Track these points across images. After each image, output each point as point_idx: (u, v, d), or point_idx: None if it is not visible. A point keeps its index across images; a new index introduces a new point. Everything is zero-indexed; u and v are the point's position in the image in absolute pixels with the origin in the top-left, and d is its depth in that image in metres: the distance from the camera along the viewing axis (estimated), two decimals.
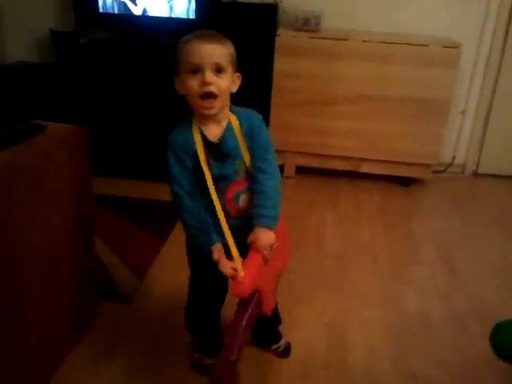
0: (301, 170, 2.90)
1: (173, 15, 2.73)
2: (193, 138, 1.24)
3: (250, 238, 1.24)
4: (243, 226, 1.27)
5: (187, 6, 2.70)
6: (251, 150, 1.27)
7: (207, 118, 1.24)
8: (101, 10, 2.76)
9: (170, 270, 1.98)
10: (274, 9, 2.70)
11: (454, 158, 3.12)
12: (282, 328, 1.60)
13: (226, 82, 1.20)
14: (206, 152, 1.24)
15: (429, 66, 2.60)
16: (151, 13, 2.75)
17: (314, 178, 2.91)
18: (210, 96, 1.18)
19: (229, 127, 1.26)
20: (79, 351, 1.55)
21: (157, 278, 1.94)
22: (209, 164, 1.24)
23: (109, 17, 2.78)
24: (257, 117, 1.30)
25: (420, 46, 2.60)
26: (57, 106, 2.59)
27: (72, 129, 1.42)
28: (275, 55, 2.67)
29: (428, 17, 2.83)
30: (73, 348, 1.55)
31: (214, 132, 1.25)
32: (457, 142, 3.11)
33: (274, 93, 2.75)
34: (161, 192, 2.57)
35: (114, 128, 2.67)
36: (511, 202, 2.82)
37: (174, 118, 2.72)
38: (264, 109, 2.78)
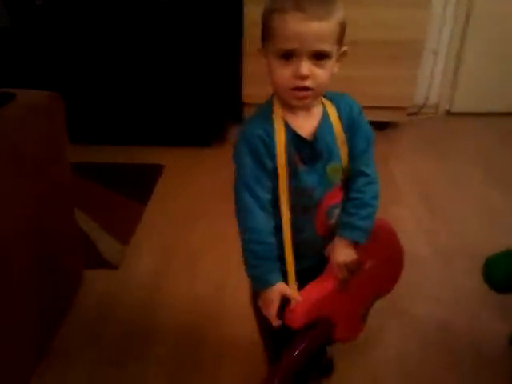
0: None
1: None
2: (274, 133, 0.94)
3: (327, 251, 1.01)
4: (322, 248, 1.02)
5: None
6: (351, 148, 0.99)
7: (295, 108, 0.96)
8: None
9: (154, 234, 1.97)
10: None
11: (427, 99, 3.12)
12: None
13: (328, 71, 0.91)
14: (291, 153, 0.94)
15: (402, 6, 2.55)
16: None
17: None
18: (304, 89, 0.90)
19: (325, 118, 0.97)
20: (71, 319, 1.54)
21: (141, 242, 1.91)
22: (296, 168, 0.95)
23: None
24: (356, 104, 1.01)
25: None
26: (15, 73, 2.45)
27: (44, 95, 1.35)
28: (244, 2, 2.56)
29: None
30: (64, 316, 1.53)
31: (304, 125, 0.96)
32: (430, 82, 3.11)
33: (245, 43, 2.65)
34: (136, 155, 2.54)
35: (80, 93, 2.55)
36: (485, 138, 2.85)
37: (144, 76, 2.63)
38: (236, 60, 2.71)
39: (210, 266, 1.79)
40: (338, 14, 0.89)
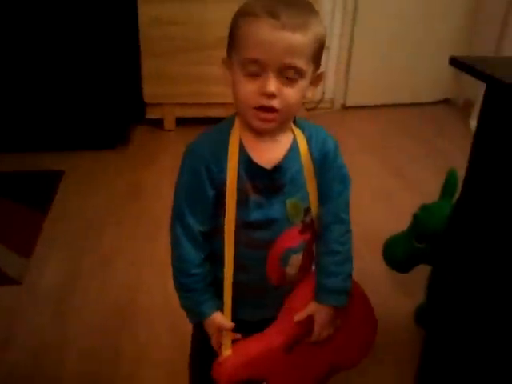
0: (181, 122, 2.84)
1: None
2: (226, 158, 0.81)
3: (308, 311, 0.88)
4: (279, 298, 0.90)
5: None
6: (324, 186, 0.87)
7: (258, 133, 0.83)
8: None
9: (58, 244, 1.87)
10: None
11: (323, 94, 3.27)
12: None
13: (299, 92, 0.77)
14: (243, 182, 0.82)
15: None
16: None
17: (196, 128, 2.87)
18: (270, 109, 0.77)
19: (293, 147, 0.84)
20: None
21: (44, 254, 1.82)
22: (247, 201, 0.83)
23: None
24: (332, 139, 0.89)
25: None
26: None
27: None
28: (138, 2, 2.52)
29: None
30: None
31: (266, 153, 0.83)
32: (324, 78, 3.25)
33: (142, 42, 2.61)
34: (32, 162, 2.40)
35: None
36: (379, 129, 3.05)
37: (39, 77, 2.48)
38: (134, 60, 2.65)
39: (122, 270, 1.75)
40: (317, 29, 0.76)
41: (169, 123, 2.82)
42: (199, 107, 2.80)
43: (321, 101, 3.25)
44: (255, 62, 0.74)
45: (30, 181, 2.27)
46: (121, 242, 1.89)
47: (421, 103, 3.35)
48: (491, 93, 1.00)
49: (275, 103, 0.76)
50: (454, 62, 1.03)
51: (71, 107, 2.48)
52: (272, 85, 0.74)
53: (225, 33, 2.43)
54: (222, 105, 2.80)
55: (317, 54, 0.78)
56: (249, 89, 0.76)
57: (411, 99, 3.32)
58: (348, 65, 3.24)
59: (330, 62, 3.21)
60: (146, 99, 2.75)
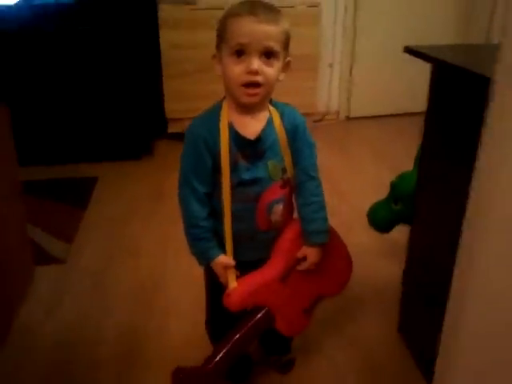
0: None
1: (51, 0, 2.80)
2: (219, 133, 1.04)
3: (300, 254, 1.14)
4: (269, 241, 1.14)
5: None
6: (296, 152, 1.11)
7: (243, 111, 1.06)
8: None
9: (94, 233, 2.17)
10: None
11: (328, 107, 3.56)
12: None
13: (276, 71, 1.01)
14: (233, 151, 1.05)
15: (295, 24, 2.95)
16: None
17: None
18: (255, 85, 1.00)
19: (269, 121, 1.08)
20: (28, 303, 1.71)
21: (84, 240, 2.12)
22: (237, 165, 1.06)
23: None
24: (300, 116, 1.14)
25: (286, 7, 2.95)
26: None
27: None
28: (160, 29, 2.87)
29: None
30: (21, 303, 1.70)
31: (249, 127, 1.06)
32: (329, 92, 3.55)
33: (164, 65, 2.96)
34: (73, 170, 2.75)
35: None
36: (380, 136, 3.31)
37: (76, 99, 2.84)
38: (157, 80, 3.00)
39: (149, 251, 2.03)
40: (284, 24, 1.02)
41: None
42: None
43: (327, 113, 3.55)
44: (242, 45, 0.98)
45: (70, 185, 2.62)
46: (147, 231, 2.19)
47: (421, 112, 3.59)
48: (436, 72, 1.28)
49: (259, 78, 0.99)
50: (408, 50, 1.30)
51: (104, 124, 2.84)
52: (255, 63, 0.98)
53: None
54: None
55: (286, 42, 1.03)
56: (237, 69, 0.99)
57: (412, 109, 3.53)
58: (350, 79, 3.53)
59: (334, 77, 3.52)
60: (168, 115, 3.08)
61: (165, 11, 2.89)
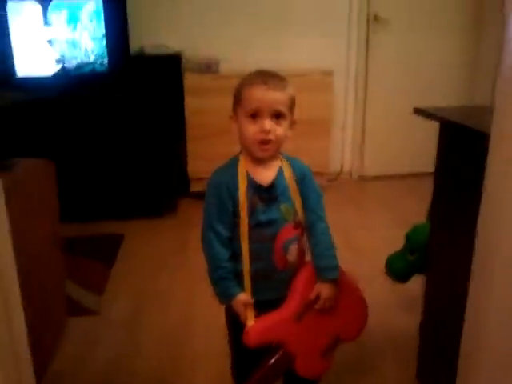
0: None
1: (86, 70, 3.06)
2: (238, 181, 1.19)
3: (314, 293, 1.22)
4: (286, 280, 1.23)
5: (100, 60, 3.05)
6: (305, 197, 1.24)
7: (258, 162, 1.21)
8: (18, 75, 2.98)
9: (122, 285, 2.30)
10: (178, 58, 3.16)
11: (342, 167, 3.73)
12: None
13: (284, 130, 1.18)
14: (250, 196, 1.19)
15: (310, 90, 3.19)
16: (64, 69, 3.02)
17: None
18: (267, 142, 1.17)
19: (280, 171, 1.23)
20: (61, 354, 1.80)
21: (114, 292, 2.23)
22: (255, 208, 1.19)
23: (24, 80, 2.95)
24: (306, 166, 1.29)
25: (302, 75, 3.19)
26: None
27: (40, 161, 1.72)
28: (185, 96, 3.11)
29: (305, 53, 3.45)
30: (53, 354, 1.79)
31: (263, 176, 1.21)
32: (342, 153, 3.73)
33: (187, 128, 3.18)
34: (101, 228, 2.89)
35: None
36: (391, 194, 3.45)
37: (105, 161, 3.04)
38: (181, 143, 3.20)
39: (176, 302, 2.13)
40: (290, 90, 1.20)
41: None
42: None
43: (340, 172, 3.71)
44: (255, 110, 1.16)
45: (98, 242, 2.75)
46: (174, 283, 2.30)
47: (430, 172, 3.72)
48: (444, 131, 1.42)
49: (271, 136, 1.17)
50: (417, 110, 1.46)
51: (130, 184, 3.02)
52: (267, 124, 1.16)
53: None
54: None
55: (291, 105, 1.21)
56: (253, 129, 1.17)
57: (421, 169, 3.58)
58: (362, 141, 3.72)
59: (347, 139, 3.71)
60: (190, 175, 3.26)
61: (189, 79, 3.14)
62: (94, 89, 2.94)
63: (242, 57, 3.37)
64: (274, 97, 1.15)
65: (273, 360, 1.18)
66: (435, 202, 1.48)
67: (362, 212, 3.19)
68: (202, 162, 3.21)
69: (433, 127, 1.46)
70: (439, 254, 1.48)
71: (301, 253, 1.26)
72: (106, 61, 3.01)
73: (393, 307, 2.05)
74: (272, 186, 1.21)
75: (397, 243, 1.85)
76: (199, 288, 2.20)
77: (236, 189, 1.18)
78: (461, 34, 3.62)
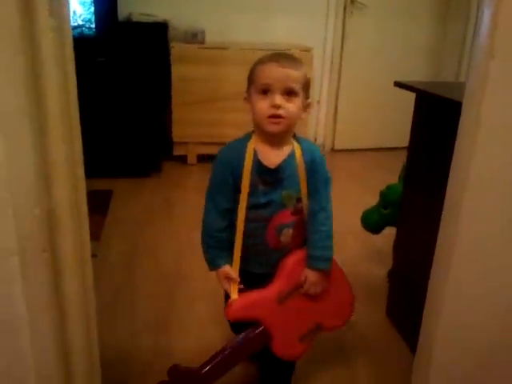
0: (201, 158, 3.50)
1: (74, 33, 3.13)
2: (244, 158, 1.18)
3: (302, 276, 1.22)
4: (279, 259, 1.24)
5: (88, 24, 3.13)
6: (310, 184, 1.21)
7: (269, 142, 1.19)
8: None
9: (115, 233, 2.49)
10: (165, 26, 3.29)
11: (315, 139, 3.96)
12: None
13: (296, 107, 1.15)
14: (253, 177, 1.18)
15: None
16: None
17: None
18: (277, 117, 1.14)
19: (291, 154, 1.20)
20: None
21: (108, 238, 2.42)
22: (257, 189, 1.19)
23: None
24: (318, 149, 1.26)
25: (283, 50, 3.35)
26: None
27: None
28: (171, 63, 3.25)
29: (286, 28, 3.65)
30: None
31: (271, 157, 1.20)
32: (316, 126, 3.97)
33: (173, 94, 3.32)
34: (90, 185, 2.99)
35: None
36: (362, 167, 3.72)
37: (94, 123, 3.16)
38: (166, 108, 3.35)
39: (164, 248, 2.34)
40: (303, 69, 1.17)
41: (191, 159, 3.49)
42: (216, 146, 3.37)
43: None
44: (266, 85, 1.14)
45: (90, 196, 2.86)
46: (159, 234, 2.51)
47: (403, 147, 3.99)
48: (419, 102, 1.66)
49: (281, 112, 1.13)
50: (397, 84, 1.69)
51: (118, 145, 3.16)
52: (277, 99, 1.13)
53: (236, 88, 3.03)
54: None
55: (306, 85, 1.18)
56: (263, 104, 1.14)
57: (393, 144, 3.80)
58: (335, 115, 3.96)
59: (321, 113, 3.94)
60: (174, 139, 3.42)
61: (176, 48, 3.28)
62: (80, 52, 3.00)
63: (227, 29, 3.52)
64: (285, 73, 1.13)
65: (250, 335, 1.21)
66: (409, 165, 1.72)
67: (334, 181, 3.41)
68: (186, 126, 3.38)
69: (401, 104, 1.65)
70: (410, 209, 1.72)
71: (298, 237, 1.26)
72: (93, 25, 3.08)
73: (364, 260, 2.31)
74: (278, 169, 1.19)
75: (366, 207, 2.07)
76: (187, 236, 2.42)
77: (240, 166, 1.18)
78: (430, 19, 3.90)
